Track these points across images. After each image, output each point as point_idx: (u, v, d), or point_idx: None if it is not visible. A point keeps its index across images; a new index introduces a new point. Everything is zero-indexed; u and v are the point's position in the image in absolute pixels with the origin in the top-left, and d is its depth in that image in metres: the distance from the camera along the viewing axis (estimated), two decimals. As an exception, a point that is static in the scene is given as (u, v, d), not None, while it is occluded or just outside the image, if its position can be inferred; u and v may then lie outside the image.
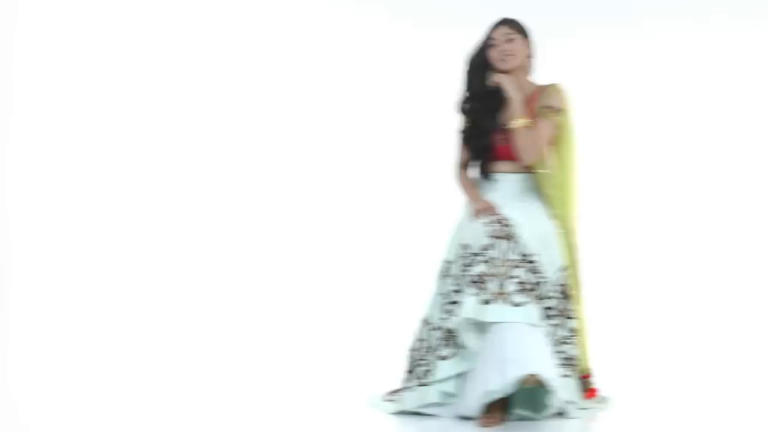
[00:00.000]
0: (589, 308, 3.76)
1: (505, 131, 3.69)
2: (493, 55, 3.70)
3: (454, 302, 3.56)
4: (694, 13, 6.15)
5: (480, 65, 3.72)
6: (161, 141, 6.16)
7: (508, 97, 3.67)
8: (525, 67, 3.75)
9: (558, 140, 3.74)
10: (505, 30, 3.70)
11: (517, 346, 3.38)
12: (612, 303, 5.27)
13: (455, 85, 3.80)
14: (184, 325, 5.39)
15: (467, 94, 3.77)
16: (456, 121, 3.82)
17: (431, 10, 6.22)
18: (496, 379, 3.35)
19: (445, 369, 3.53)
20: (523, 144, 3.65)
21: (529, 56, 3.75)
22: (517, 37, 3.70)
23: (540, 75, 3.78)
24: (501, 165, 3.72)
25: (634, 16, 6.18)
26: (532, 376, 3.34)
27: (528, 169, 3.72)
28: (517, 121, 3.66)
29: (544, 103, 3.70)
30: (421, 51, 6.19)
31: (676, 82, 6.19)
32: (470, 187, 3.76)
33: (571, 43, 5.95)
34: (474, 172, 3.79)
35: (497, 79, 3.70)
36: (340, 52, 6.28)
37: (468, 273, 3.52)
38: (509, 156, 3.70)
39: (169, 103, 6.16)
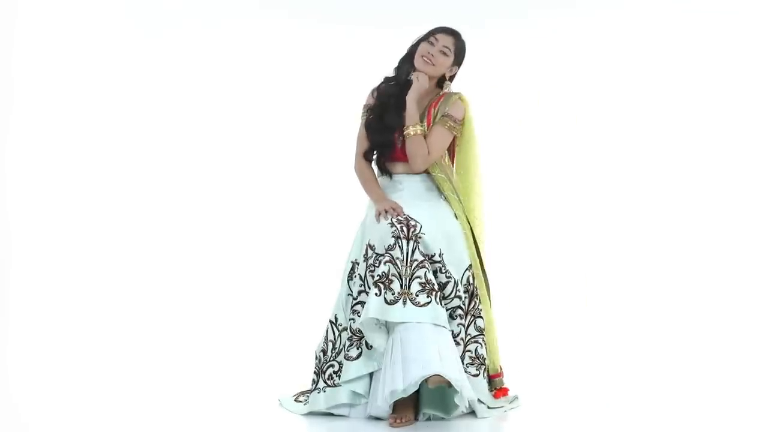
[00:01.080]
0: (498, 307, 3.77)
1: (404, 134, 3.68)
2: (421, 49, 3.68)
3: (362, 303, 3.56)
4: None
5: (413, 55, 3.71)
6: (156, 141, 6.13)
7: (408, 99, 3.65)
8: (435, 84, 3.73)
9: (459, 148, 3.74)
10: (448, 41, 3.69)
11: (421, 346, 3.38)
12: (522, 302, 5.29)
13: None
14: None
15: (393, 75, 3.76)
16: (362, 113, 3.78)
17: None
18: (400, 379, 3.36)
19: (353, 369, 3.54)
20: (412, 151, 3.64)
21: (447, 78, 3.74)
22: (450, 55, 3.69)
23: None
24: (400, 166, 3.71)
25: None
26: (437, 376, 3.34)
27: (426, 171, 3.71)
28: (409, 128, 3.64)
29: (444, 111, 3.69)
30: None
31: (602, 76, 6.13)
32: (374, 185, 3.72)
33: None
34: (374, 166, 3.76)
35: (415, 76, 3.69)
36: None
37: (373, 273, 3.52)
38: (407, 158, 3.69)
39: (163, 102, 6.13)
